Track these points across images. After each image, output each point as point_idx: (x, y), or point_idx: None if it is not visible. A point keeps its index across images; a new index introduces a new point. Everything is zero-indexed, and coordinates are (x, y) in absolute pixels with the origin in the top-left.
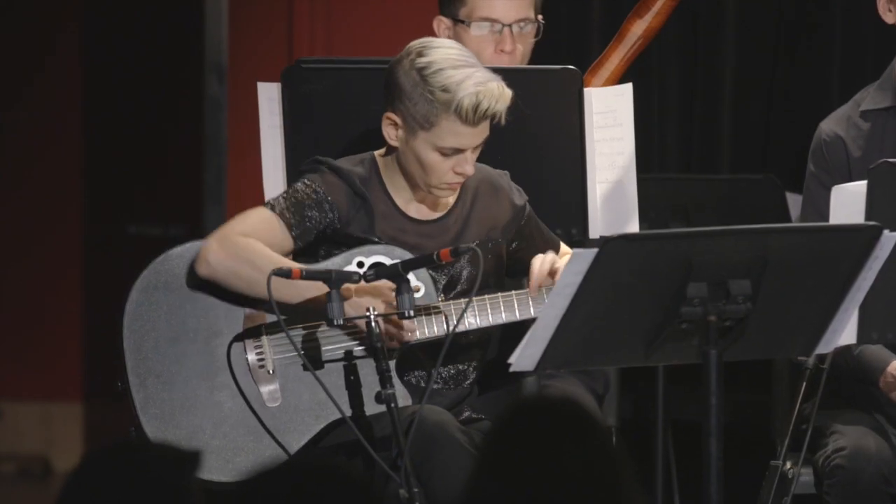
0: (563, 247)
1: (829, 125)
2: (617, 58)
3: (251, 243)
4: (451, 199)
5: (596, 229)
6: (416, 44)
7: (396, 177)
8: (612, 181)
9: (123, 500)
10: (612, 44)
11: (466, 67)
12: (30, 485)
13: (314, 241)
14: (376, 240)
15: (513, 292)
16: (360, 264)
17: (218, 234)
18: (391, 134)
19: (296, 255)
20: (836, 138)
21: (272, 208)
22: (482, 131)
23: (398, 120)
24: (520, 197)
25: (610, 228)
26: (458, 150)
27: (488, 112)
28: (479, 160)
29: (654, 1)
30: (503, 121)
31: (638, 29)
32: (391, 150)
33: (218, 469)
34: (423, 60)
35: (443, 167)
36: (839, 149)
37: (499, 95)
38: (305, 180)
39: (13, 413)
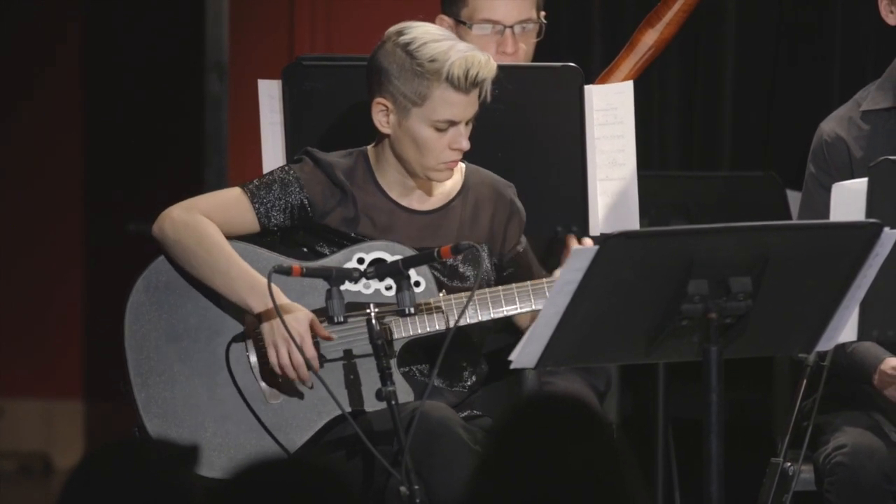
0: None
1: (831, 126)
2: (627, 67)
3: (209, 226)
4: (450, 186)
5: (596, 227)
6: (392, 28)
7: (389, 168)
8: (612, 178)
9: (124, 498)
10: (623, 53)
11: (447, 40)
12: (30, 482)
13: (290, 227)
14: (352, 234)
15: (513, 285)
16: (361, 260)
17: (185, 203)
18: (382, 121)
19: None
20: (838, 139)
21: (243, 187)
22: (473, 102)
23: (389, 104)
24: (522, 215)
25: (611, 226)
26: (452, 123)
27: (478, 78)
28: (481, 157)
29: (666, 11)
30: (489, 96)
31: (649, 39)
32: (382, 142)
33: (221, 467)
34: (405, 38)
35: (439, 144)
36: (841, 150)
37: (485, 62)
38: (285, 166)
39: (14, 410)
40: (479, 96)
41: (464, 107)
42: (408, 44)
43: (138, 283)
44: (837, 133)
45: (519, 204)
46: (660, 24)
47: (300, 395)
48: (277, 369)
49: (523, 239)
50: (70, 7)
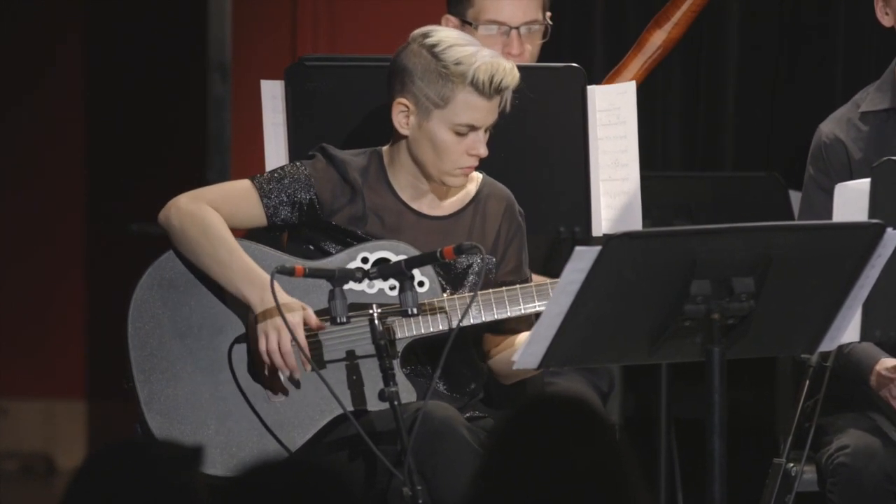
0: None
1: (829, 127)
2: (635, 67)
3: (214, 217)
4: (462, 194)
5: (599, 227)
6: (418, 31)
7: (402, 170)
8: (615, 179)
9: (128, 498)
10: (631, 53)
11: (472, 46)
12: (33, 483)
13: (298, 224)
14: (360, 233)
15: (517, 286)
16: (365, 260)
17: (193, 192)
18: (402, 121)
19: (290, 239)
20: (837, 141)
21: (253, 179)
22: (494, 108)
23: (410, 104)
24: (523, 239)
25: (613, 226)
26: (473, 128)
27: (503, 84)
28: (484, 159)
29: (674, 11)
30: (509, 105)
31: (657, 39)
32: (397, 144)
33: (222, 464)
34: (431, 40)
35: (457, 149)
36: (839, 151)
37: (510, 69)
38: (297, 162)
39: (16, 410)
40: (500, 104)
41: (485, 112)
42: (434, 45)
43: (142, 280)
44: (836, 135)
45: (523, 226)
46: (668, 24)
47: (300, 394)
48: (265, 357)
49: (528, 271)
50: (71, 7)
